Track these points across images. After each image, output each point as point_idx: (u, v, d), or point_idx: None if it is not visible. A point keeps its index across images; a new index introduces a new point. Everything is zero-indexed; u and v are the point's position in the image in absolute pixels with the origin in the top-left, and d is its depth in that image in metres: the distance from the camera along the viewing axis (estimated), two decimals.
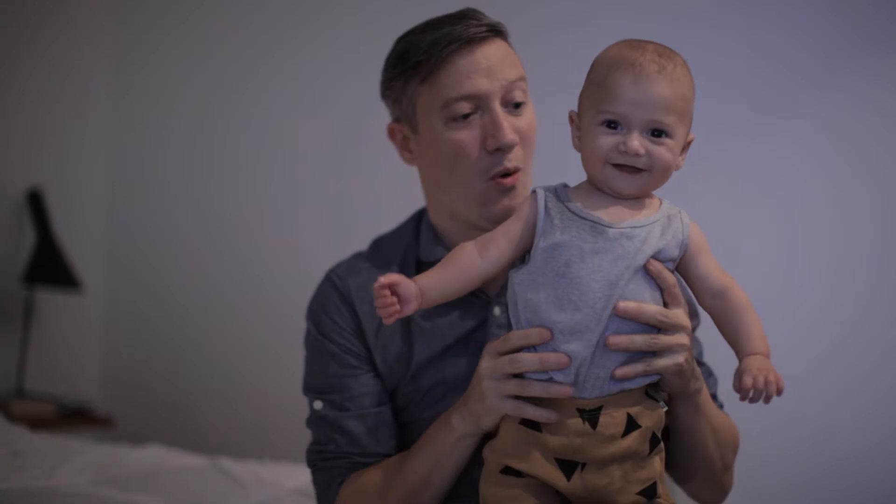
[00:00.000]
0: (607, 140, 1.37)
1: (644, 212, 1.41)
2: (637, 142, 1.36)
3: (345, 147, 3.62)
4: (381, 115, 1.75)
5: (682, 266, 1.43)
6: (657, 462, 1.40)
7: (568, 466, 1.37)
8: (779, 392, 1.33)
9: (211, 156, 3.91)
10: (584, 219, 1.38)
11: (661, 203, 1.44)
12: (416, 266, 1.65)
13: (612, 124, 1.38)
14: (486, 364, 1.42)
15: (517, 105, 1.59)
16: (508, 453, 1.40)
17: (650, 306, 1.37)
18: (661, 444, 1.41)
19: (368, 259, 1.69)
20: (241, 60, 3.84)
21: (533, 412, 1.37)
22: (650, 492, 1.39)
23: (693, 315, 1.50)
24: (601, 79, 1.40)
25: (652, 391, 1.41)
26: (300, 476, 2.53)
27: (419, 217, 1.72)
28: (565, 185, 1.45)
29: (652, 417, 1.39)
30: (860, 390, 2.77)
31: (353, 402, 1.61)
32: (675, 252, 1.41)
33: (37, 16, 3.81)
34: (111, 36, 4.03)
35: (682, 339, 1.39)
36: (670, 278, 1.39)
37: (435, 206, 1.67)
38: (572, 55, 3.17)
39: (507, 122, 1.57)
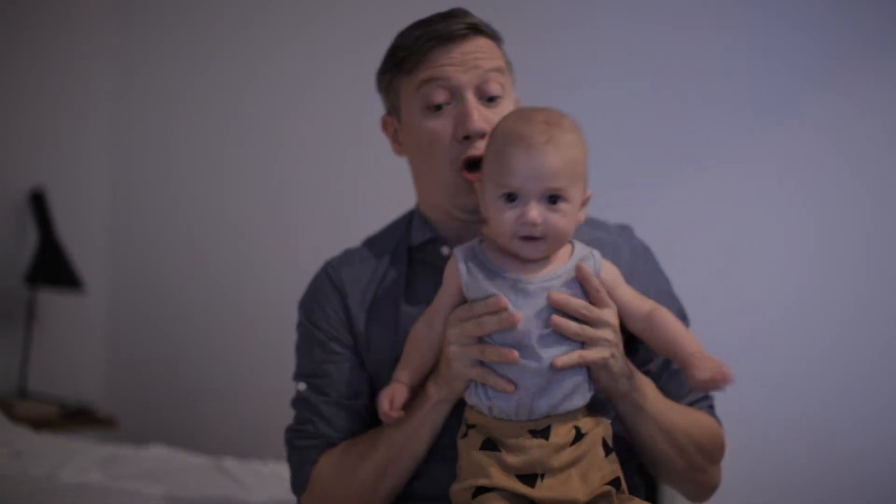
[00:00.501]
0: (509, 214, 1.48)
1: (558, 261, 1.52)
2: (535, 211, 1.47)
3: (345, 147, 3.62)
4: (382, 115, 1.77)
5: None
6: (616, 467, 1.50)
7: (529, 479, 1.46)
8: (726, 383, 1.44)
9: (212, 156, 3.91)
10: (505, 278, 1.50)
11: (573, 249, 1.55)
12: (408, 253, 1.72)
13: (511, 196, 1.49)
14: (451, 330, 1.51)
15: (492, 98, 1.65)
16: (472, 475, 1.48)
17: (576, 300, 1.49)
18: (614, 454, 1.51)
19: (362, 251, 1.76)
20: (241, 60, 3.85)
21: (495, 381, 1.47)
22: (616, 483, 1.49)
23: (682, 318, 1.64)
24: (497, 153, 1.51)
25: (594, 412, 1.52)
26: None
27: (410, 215, 1.78)
28: (481, 241, 1.55)
29: (598, 426, 1.50)
30: (860, 390, 2.77)
31: (334, 388, 1.67)
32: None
33: (37, 16, 3.82)
34: (112, 36, 4.04)
35: (608, 335, 1.50)
36: (593, 284, 1.51)
37: (422, 196, 1.73)
38: (572, 55, 3.19)
39: (478, 111, 1.62)
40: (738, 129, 2.95)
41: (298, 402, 1.71)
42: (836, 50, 2.85)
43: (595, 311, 1.50)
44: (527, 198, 1.48)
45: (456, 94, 1.63)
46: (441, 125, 1.63)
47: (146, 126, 4.03)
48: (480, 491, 1.47)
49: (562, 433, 1.47)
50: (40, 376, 3.74)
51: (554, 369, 1.46)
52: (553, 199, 1.48)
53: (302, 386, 1.71)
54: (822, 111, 2.86)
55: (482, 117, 1.62)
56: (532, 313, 1.48)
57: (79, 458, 2.61)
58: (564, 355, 1.48)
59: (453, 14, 1.68)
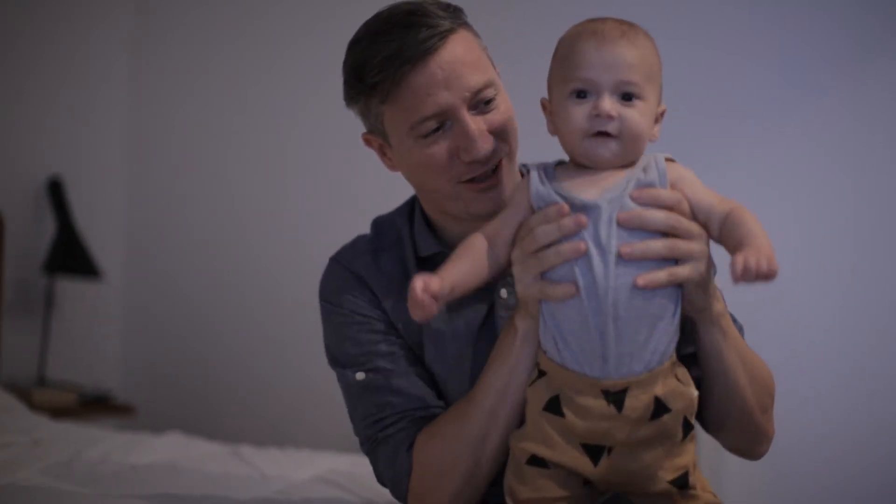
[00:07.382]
0: (579, 110, 1.36)
1: (621, 175, 1.37)
2: (608, 103, 1.34)
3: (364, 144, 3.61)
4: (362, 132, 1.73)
5: None
6: (690, 448, 1.37)
7: (594, 451, 1.34)
8: (770, 273, 1.23)
9: (230, 145, 3.91)
10: (565, 198, 1.36)
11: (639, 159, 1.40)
12: (416, 261, 1.63)
13: (581, 94, 1.36)
14: (514, 251, 1.41)
15: (488, 102, 1.54)
16: (534, 441, 1.38)
17: (656, 212, 1.33)
18: (694, 431, 1.38)
19: (370, 243, 1.68)
20: (260, 51, 3.84)
21: (553, 290, 1.34)
22: (682, 481, 1.36)
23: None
24: (566, 52, 1.38)
25: (681, 374, 1.37)
26: (321, 463, 2.54)
27: (412, 203, 1.70)
28: (559, 163, 1.43)
29: (682, 400, 1.35)
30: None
31: (396, 362, 1.58)
32: None
33: (54, 6, 3.82)
34: (129, 27, 4.04)
35: (701, 245, 1.35)
36: (668, 198, 1.35)
37: (425, 201, 1.65)
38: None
39: (478, 129, 1.52)
40: (735, 131, 2.95)
41: (362, 393, 1.59)
42: (832, 53, 2.85)
43: (683, 222, 1.34)
44: (599, 91, 1.34)
45: (448, 116, 1.51)
46: (440, 149, 1.52)
47: (163, 115, 4.04)
48: (536, 460, 1.37)
49: (639, 402, 1.32)
50: (58, 364, 3.75)
51: (636, 289, 1.30)
52: (627, 95, 1.35)
53: (360, 375, 1.59)
54: (817, 113, 2.86)
55: (483, 134, 1.52)
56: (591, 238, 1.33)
57: (97, 445, 2.62)
58: (649, 273, 1.31)
59: (416, 21, 1.52)
